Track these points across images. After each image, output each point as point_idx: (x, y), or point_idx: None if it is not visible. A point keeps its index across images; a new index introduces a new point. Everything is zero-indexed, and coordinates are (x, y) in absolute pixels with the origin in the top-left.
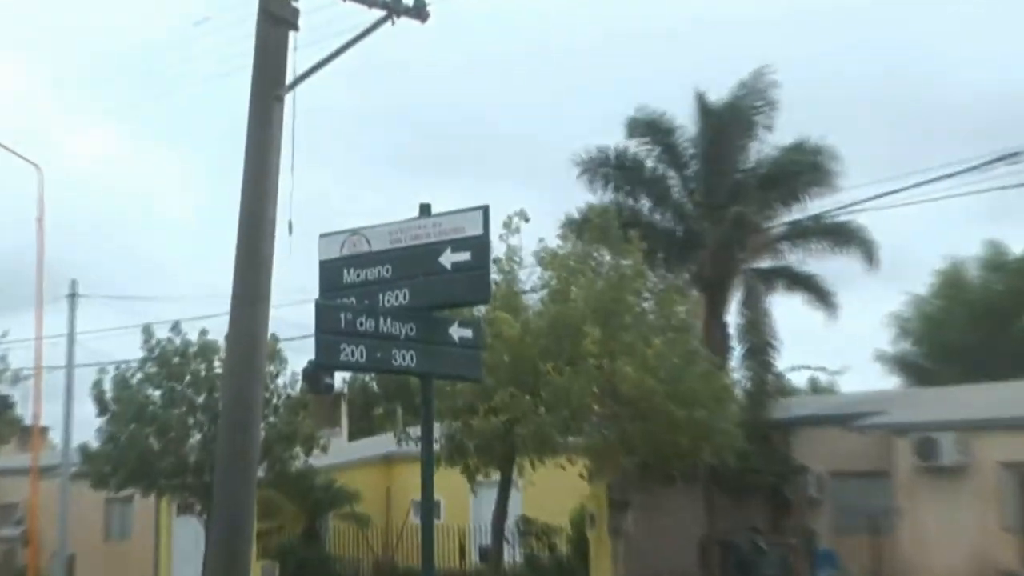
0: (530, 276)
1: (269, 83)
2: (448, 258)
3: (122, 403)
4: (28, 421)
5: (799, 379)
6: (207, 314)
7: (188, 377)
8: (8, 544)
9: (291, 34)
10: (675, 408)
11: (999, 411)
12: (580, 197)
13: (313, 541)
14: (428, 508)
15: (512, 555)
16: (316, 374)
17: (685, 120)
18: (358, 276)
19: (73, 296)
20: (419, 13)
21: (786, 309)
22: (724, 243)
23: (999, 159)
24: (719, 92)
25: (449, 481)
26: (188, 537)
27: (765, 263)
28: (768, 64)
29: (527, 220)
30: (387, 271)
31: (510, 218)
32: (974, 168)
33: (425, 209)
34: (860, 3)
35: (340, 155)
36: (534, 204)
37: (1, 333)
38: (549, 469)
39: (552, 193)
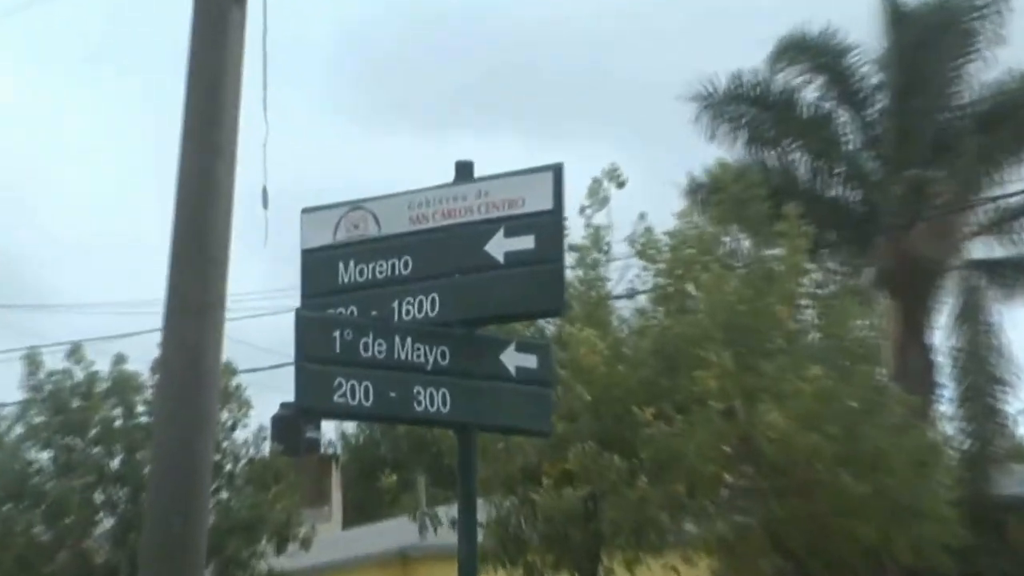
0: (624, 273)
1: None
2: (500, 245)
3: None
4: None
5: None
6: (125, 331)
7: (95, 430)
8: None
9: None
10: (851, 479)
11: None
12: (694, 155)
13: None
14: None
15: None
16: (295, 424)
17: (865, 37)
18: (361, 273)
19: None
20: None
21: None
22: (927, 220)
23: None
24: None
25: None
26: None
27: (990, 252)
28: None
29: (621, 184)
30: (406, 266)
31: (596, 182)
32: None
33: (465, 170)
34: None
35: (332, 94)
36: (630, 166)
37: None
38: (654, 571)
39: (655, 150)
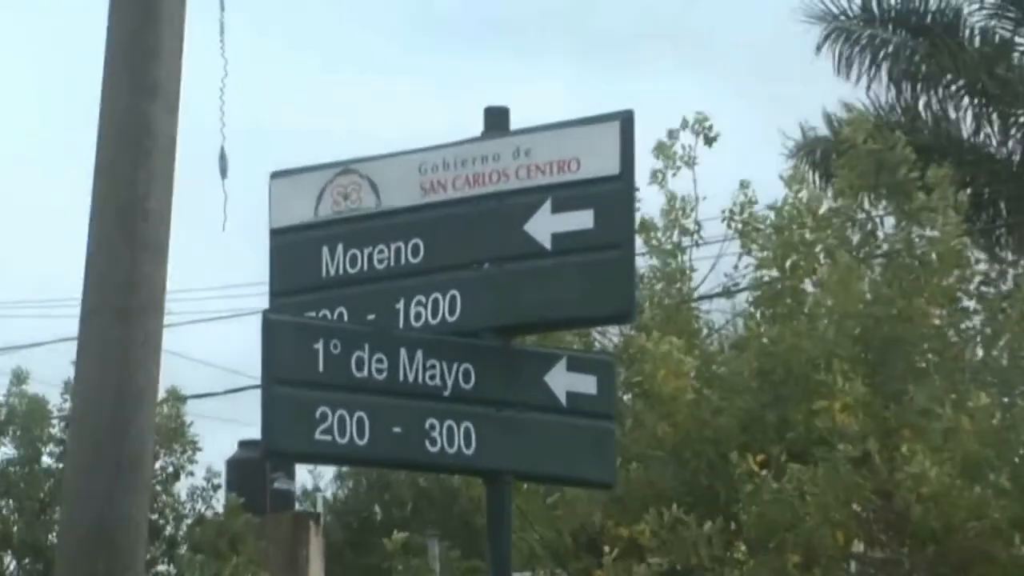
0: (718, 263)
1: None
2: (546, 223)
3: None
4: None
5: None
6: (29, 341)
7: None
8: None
9: None
10: None
11: None
12: (812, 100)
13: None
14: None
15: None
16: (260, 471)
17: None
18: (354, 263)
19: None
20: None
21: None
22: None
23: None
24: None
25: None
26: None
27: None
28: None
29: (711, 141)
30: (415, 252)
31: (674, 133)
32: None
33: (497, 118)
34: None
35: (316, 22)
36: (723, 116)
37: None
38: None
39: (758, 93)
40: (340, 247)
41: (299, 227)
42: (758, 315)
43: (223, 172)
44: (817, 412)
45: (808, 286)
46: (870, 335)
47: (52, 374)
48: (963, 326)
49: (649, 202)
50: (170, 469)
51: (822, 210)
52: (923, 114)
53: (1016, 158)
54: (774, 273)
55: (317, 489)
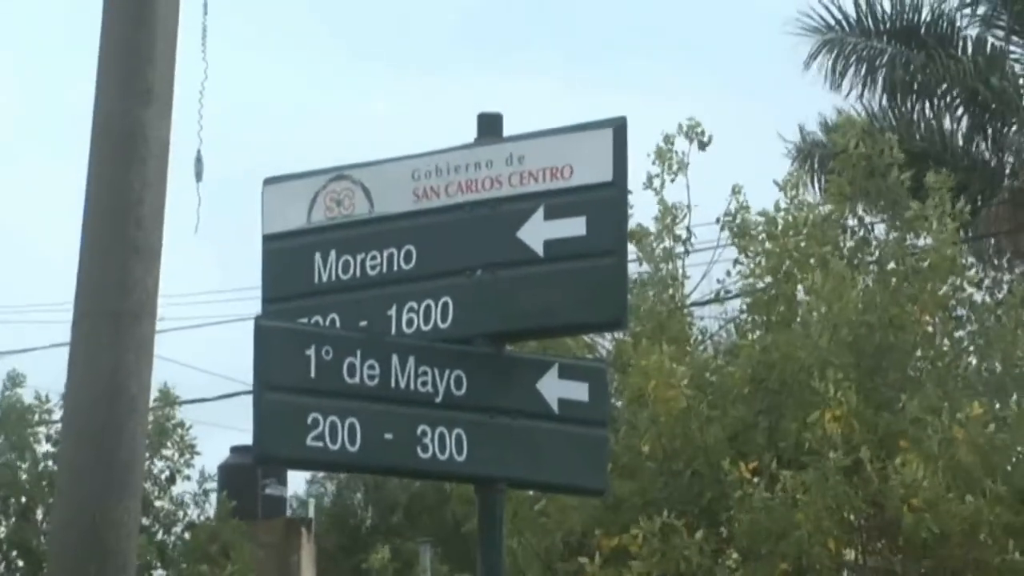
0: (710, 269)
1: None
2: (539, 230)
3: None
4: None
5: None
6: (16, 347)
7: None
8: None
9: None
10: None
11: None
12: (805, 110)
13: None
14: None
15: None
16: (252, 477)
17: None
18: (346, 269)
19: None
20: None
21: None
22: None
23: None
24: None
25: None
26: None
27: None
28: None
29: (704, 145)
30: (407, 258)
31: (670, 140)
32: None
33: (490, 124)
34: None
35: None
36: (717, 122)
37: None
38: None
39: (751, 100)
40: (333, 253)
41: (292, 233)
42: (750, 322)
43: (198, 176)
44: (809, 421)
45: (801, 294)
46: (863, 343)
47: (49, 379)
48: (957, 334)
49: (642, 209)
50: (165, 474)
51: (814, 216)
52: (918, 124)
53: (1009, 167)
54: (767, 280)
55: (322, 492)
